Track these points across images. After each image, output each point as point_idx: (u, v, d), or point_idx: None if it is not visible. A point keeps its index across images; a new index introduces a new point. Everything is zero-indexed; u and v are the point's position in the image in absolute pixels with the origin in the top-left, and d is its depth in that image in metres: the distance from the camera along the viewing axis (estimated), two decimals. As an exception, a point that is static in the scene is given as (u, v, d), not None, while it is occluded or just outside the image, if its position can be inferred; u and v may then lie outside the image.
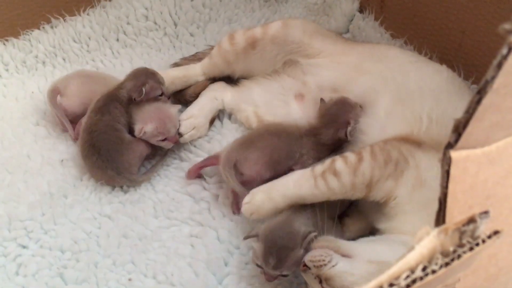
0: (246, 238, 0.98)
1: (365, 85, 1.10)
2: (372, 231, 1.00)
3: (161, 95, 1.20)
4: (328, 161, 0.96)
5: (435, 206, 0.87)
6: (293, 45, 1.21)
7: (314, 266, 0.85)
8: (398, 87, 1.07)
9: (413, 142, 0.96)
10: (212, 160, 1.14)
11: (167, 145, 1.17)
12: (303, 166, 1.03)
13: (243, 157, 1.04)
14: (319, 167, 0.96)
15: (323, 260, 0.84)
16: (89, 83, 1.23)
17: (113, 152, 1.11)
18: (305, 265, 0.87)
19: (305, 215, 0.96)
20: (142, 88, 1.16)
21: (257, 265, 0.94)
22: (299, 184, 0.96)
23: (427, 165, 0.92)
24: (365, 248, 0.89)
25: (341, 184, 0.93)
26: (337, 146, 1.09)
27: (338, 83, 1.14)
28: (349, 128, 1.06)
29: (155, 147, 1.19)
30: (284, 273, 0.92)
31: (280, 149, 1.05)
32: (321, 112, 1.11)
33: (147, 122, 1.14)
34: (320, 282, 0.86)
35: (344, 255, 0.86)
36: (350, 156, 0.95)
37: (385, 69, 1.11)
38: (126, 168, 1.12)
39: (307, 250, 0.90)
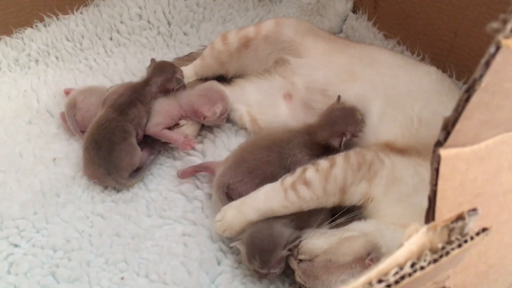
0: (232, 243, 0.99)
1: (355, 91, 1.10)
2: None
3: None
4: (298, 171, 0.96)
5: (411, 200, 0.89)
6: (285, 44, 1.21)
7: (295, 246, 0.91)
8: (388, 91, 1.08)
9: (395, 149, 0.97)
10: (206, 169, 1.14)
11: (223, 120, 1.21)
12: (299, 164, 1.02)
13: (236, 181, 1.03)
14: (289, 178, 0.96)
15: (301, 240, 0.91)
16: (96, 96, 1.22)
17: (112, 152, 1.10)
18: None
19: (287, 217, 0.97)
20: (176, 76, 1.19)
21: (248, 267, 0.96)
22: (269, 197, 0.96)
23: (404, 165, 0.92)
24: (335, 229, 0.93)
25: (312, 192, 0.93)
26: (331, 148, 1.08)
27: (328, 86, 1.14)
28: (343, 139, 1.05)
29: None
30: (272, 271, 0.93)
31: (272, 163, 1.04)
32: (325, 111, 1.10)
33: (215, 103, 1.17)
34: (299, 262, 0.90)
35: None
36: (322, 162, 0.96)
37: (374, 73, 1.12)
38: (118, 171, 1.11)
39: (292, 252, 0.92)
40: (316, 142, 1.08)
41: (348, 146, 1.06)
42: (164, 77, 1.19)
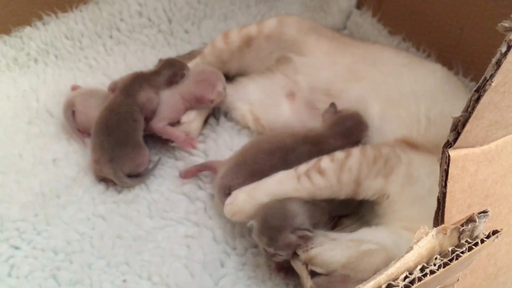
0: (250, 222, 0.96)
1: (359, 90, 1.09)
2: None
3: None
4: (313, 161, 0.96)
5: (426, 202, 0.87)
6: (287, 43, 1.20)
7: (303, 251, 0.88)
8: (390, 91, 1.07)
9: (410, 144, 0.96)
10: (209, 168, 1.13)
11: (225, 95, 1.21)
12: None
13: (237, 183, 1.01)
14: (303, 166, 0.95)
15: (311, 244, 0.87)
16: (95, 99, 1.21)
17: (123, 141, 1.10)
18: (294, 252, 0.90)
19: (304, 206, 0.95)
20: (183, 71, 1.21)
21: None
22: (282, 181, 0.96)
23: (420, 163, 0.91)
24: (349, 234, 0.91)
25: (326, 180, 0.92)
26: None
27: (331, 86, 1.13)
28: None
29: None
30: (279, 252, 0.91)
31: (275, 168, 1.02)
32: (332, 121, 1.08)
33: (215, 83, 1.17)
34: (307, 267, 0.87)
35: (331, 239, 0.89)
36: (337, 153, 0.95)
37: (378, 73, 1.11)
38: (119, 164, 1.09)
39: (298, 241, 0.90)
40: (323, 151, 1.04)
41: None
42: (172, 72, 1.21)
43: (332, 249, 0.85)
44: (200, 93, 1.18)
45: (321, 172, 0.93)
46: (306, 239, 0.89)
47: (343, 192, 0.94)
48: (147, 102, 1.15)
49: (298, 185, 0.94)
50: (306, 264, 0.88)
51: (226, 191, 1.03)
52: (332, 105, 1.10)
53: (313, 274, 0.86)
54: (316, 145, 1.06)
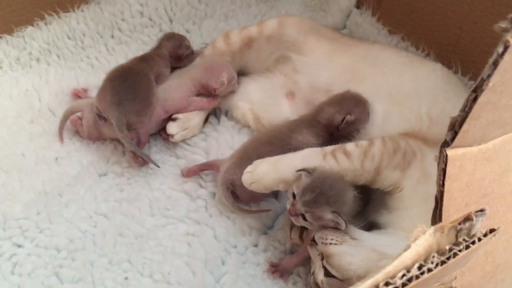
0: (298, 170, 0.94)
1: (360, 90, 1.10)
2: (370, 229, 1.00)
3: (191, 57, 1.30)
4: (338, 145, 0.96)
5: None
6: (288, 44, 1.21)
7: (322, 243, 0.87)
8: (392, 90, 1.08)
9: (419, 137, 0.97)
10: (211, 167, 1.14)
11: (235, 86, 1.23)
12: (305, 145, 1.02)
13: (240, 177, 1.01)
14: (329, 147, 0.96)
15: (333, 239, 0.86)
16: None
17: (135, 93, 1.12)
18: (313, 239, 0.89)
19: (355, 202, 0.95)
20: (185, 43, 1.27)
21: (292, 196, 0.92)
22: (307, 157, 0.95)
23: (432, 160, 0.92)
24: (372, 236, 0.90)
25: (350, 162, 0.93)
26: (330, 135, 1.08)
27: (331, 86, 1.14)
28: (347, 117, 1.05)
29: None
30: (309, 215, 0.89)
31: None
32: (336, 94, 1.10)
33: (220, 73, 1.19)
34: (322, 259, 0.87)
35: (352, 238, 0.87)
36: (361, 141, 0.96)
37: (379, 72, 1.12)
38: (129, 113, 1.10)
39: (330, 223, 0.89)
40: (316, 121, 1.07)
41: (347, 130, 1.06)
42: (172, 43, 1.27)
43: (352, 254, 0.84)
44: (206, 81, 1.20)
45: (346, 153, 0.94)
46: (336, 227, 0.88)
47: (363, 178, 0.94)
48: (155, 67, 1.22)
49: (323, 162, 0.93)
50: (322, 256, 0.87)
51: (230, 186, 1.04)
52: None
53: (326, 271, 0.86)
54: (313, 116, 1.08)
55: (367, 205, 1.01)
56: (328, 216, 0.88)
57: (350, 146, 0.95)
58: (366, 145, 0.95)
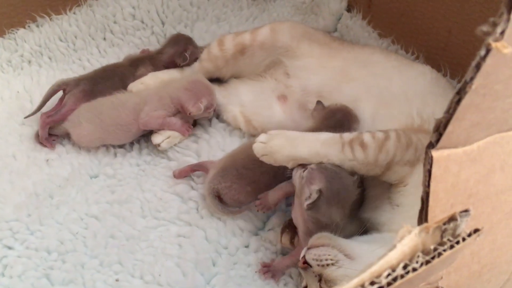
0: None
1: (349, 92, 1.11)
2: (365, 231, 0.99)
3: (195, 59, 1.30)
4: (355, 133, 0.95)
5: None
6: (281, 50, 1.22)
7: (318, 265, 0.83)
8: (382, 92, 1.08)
9: (425, 131, 0.97)
10: (202, 168, 1.14)
11: (211, 113, 1.22)
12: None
13: (225, 186, 1.04)
14: (348, 135, 0.94)
15: (327, 260, 0.83)
16: (107, 114, 1.19)
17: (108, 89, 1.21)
18: (305, 262, 0.85)
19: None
20: (185, 53, 1.27)
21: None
22: (327, 144, 0.93)
23: None
24: (365, 249, 0.87)
25: (365, 156, 0.92)
26: None
27: (323, 88, 1.15)
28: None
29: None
30: (306, 208, 0.90)
31: (266, 173, 1.04)
32: (323, 116, 1.10)
33: (200, 97, 1.17)
34: (320, 280, 0.85)
35: (346, 255, 0.84)
36: (378, 133, 0.94)
37: (369, 75, 1.12)
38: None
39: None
40: None
41: None
42: (175, 50, 1.29)
43: (351, 276, 0.82)
44: (183, 102, 1.17)
45: (363, 145, 0.92)
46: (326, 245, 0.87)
47: (373, 172, 0.94)
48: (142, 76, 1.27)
49: (341, 155, 0.92)
50: (319, 276, 0.84)
51: (216, 194, 1.04)
52: (319, 102, 1.11)
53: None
54: None
55: (366, 202, 1.02)
56: (323, 220, 0.89)
57: (367, 137, 0.93)
58: (382, 139, 0.93)
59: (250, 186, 1.04)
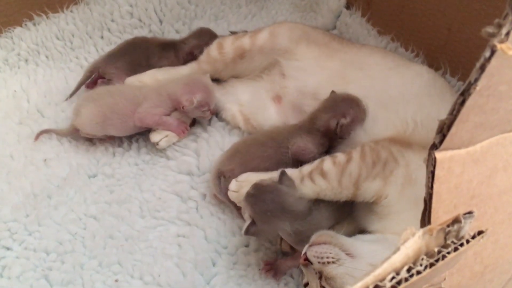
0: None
1: None
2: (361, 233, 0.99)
3: None
4: (316, 162, 0.97)
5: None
6: (279, 52, 1.22)
7: (319, 262, 0.84)
8: (378, 94, 1.08)
9: (404, 142, 0.97)
10: None
11: (208, 116, 1.21)
12: (305, 152, 1.04)
13: (228, 169, 1.05)
14: (307, 167, 0.97)
15: (328, 257, 0.83)
16: (103, 101, 1.18)
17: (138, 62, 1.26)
18: (306, 259, 0.85)
19: (331, 209, 0.96)
20: (204, 47, 1.27)
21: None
22: None
23: (418, 164, 0.91)
24: (367, 249, 0.87)
25: (327, 182, 0.94)
26: (330, 140, 1.08)
27: (319, 89, 1.14)
28: (342, 120, 1.04)
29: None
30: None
31: (268, 158, 1.05)
32: (327, 99, 1.10)
33: (195, 93, 1.15)
34: (320, 278, 0.85)
35: (347, 254, 0.85)
36: (339, 156, 0.96)
37: (365, 77, 1.12)
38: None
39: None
40: (314, 129, 1.07)
41: (346, 133, 1.06)
42: (197, 42, 1.29)
43: (353, 277, 0.81)
44: (178, 96, 1.16)
45: (323, 174, 0.95)
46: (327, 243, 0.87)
47: (344, 194, 0.95)
48: (165, 61, 1.29)
49: (301, 186, 0.95)
50: (319, 274, 0.84)
51: (219, 175, 1.06)
52: (332, 92, 1.11)
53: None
54: (310, 122, 1.08)
55: (355, 210, 1.01)
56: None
57: (327, 164, 0.96)
58: (344, 162, 0.95)
59: (254, 170, 1.04)
